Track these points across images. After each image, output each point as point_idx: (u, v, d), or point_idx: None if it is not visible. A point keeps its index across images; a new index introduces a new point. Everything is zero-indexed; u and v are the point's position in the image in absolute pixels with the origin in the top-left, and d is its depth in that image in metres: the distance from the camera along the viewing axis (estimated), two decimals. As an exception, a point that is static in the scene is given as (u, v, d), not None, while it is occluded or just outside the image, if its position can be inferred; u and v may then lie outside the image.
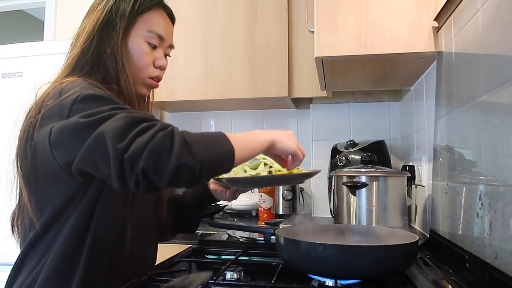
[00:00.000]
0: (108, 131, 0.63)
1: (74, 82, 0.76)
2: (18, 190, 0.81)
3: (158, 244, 0.99)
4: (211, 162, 0.66)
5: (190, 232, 1.11)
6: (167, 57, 0.95)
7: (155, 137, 0.62)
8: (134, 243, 0.82)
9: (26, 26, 3.10)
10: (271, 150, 0.78)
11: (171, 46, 0.94)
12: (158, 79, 0.92)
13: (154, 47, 0.89)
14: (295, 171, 0.89)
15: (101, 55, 0.83)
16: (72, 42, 0.87)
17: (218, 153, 0.67)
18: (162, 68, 0.91)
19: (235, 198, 1.02)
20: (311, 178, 1.89)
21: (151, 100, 0.98)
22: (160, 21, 0.89)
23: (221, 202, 1.54)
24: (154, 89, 0.95)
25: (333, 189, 1.39)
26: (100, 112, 0.67)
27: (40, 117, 0.73)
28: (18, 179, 0.79)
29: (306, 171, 0.91)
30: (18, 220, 0.83)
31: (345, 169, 1.42)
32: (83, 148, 0.65)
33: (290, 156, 0.82)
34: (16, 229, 0.84)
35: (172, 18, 0.94)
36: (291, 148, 0.79)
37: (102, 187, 0.77)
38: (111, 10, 0.84)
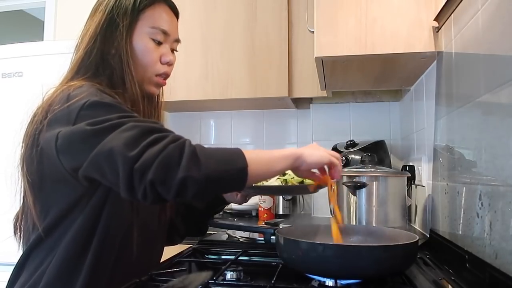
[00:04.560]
0: (118, 140, 0.63)
1: (81, 87, 0.75)
2: (22, 192, 0.81)
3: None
4: (220, 177, 0.65)
5: (200, 235, 1.10)
6: (175, 52, 0.93)
7: (166, 148, 0.62)
8: (139, 246, 0.82)
9: (26, 26, 3.10)
10: (300, 166, 0.75)
11: (177, 40, 0.93)
12: (166, 75, 0.90)
13: (159, 43, 0.87)
14: (307, 181, 0.88)
15: (106, 55, 0.83)
16: (77, 44, 0.86)
17: (228, 169, 0.65)
18: (169, 64, 0.90)
19: (246, 201, 1.00)
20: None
21: (160, 99, 0.97)
22: (163, 15, 0.88)
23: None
24: (163, 88, 0.95)
25: (333, 189, 1.39)
26: (108, 120, 0.66)
27: (46, 122, 0.73)
28: (23, 182, 0.79)
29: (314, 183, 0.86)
30: (21, 222, 0.82)
31: (345, 169, 1.41)
32: (90, 156, 0.65)
33: (326, 167, 0.80)
34: (18, 232, 0.84)
35: (175, 12, 0.92)
36: (324, 158, 0.77)
37: (109, 190, 0.77)
38: (113, 10, 0.83)
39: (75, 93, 0.73)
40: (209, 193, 0.66)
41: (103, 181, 0.68)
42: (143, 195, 0.62)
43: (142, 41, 0.85)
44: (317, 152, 0.76)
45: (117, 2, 0.84)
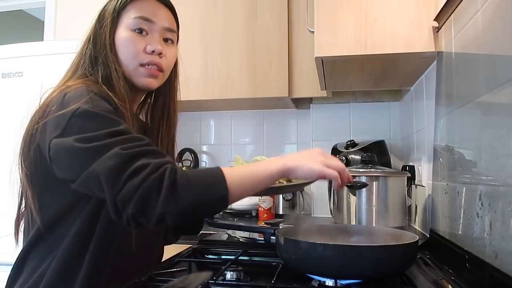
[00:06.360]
0: (103, 170, 0.65)
1: (77, 90, 0.75)
2: (21, 190, 0.81)
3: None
4: (197, 209, 0.66)
5: (194, 234, 1.10)
6: (169, 43, 0.89)
7: (146, 181, 0.64)
8: (138, 246, 0.82)
9: (26, 26, 3.10)
10: (288, 176, 0.74)
11: (170, 30, 0.88)
12: (157, 66, 0.85)
13: (144, 33, 0.85)
14: (294, 180, 0.88)
15: (97, 54, 0.83)
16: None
17: (208, 200, 0.66)
18: (156, 53, 0.84)
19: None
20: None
21: (173, 99, 0.96)
22: (145, 6, 0.85)
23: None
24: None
25: (333, 189, 1.39)
26: (95, 139, 0.67)
27: (42, 123, 0.74)
28: (22, 178, 0.79)
29: (302, 181, 0.84)
30: (22, 220, 0.83)
31: (345, 169, 1.41)
32: (80, 178, 0.67)
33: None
34: (17, 231, 0.84)
35: (164, 3, 0.88)
36: (314, 172, 0.72)
37: None
38: (102, 11, 0.86)
39: (69, 96, 0.73)
40: (189, 220, 0.68)
41: (95, 197, 0.72)
42: (127, 223, 0.66)
43: (123, 34, 0.84)
44: (305, 164, 0.72)
45: (107, 4, 0.87)
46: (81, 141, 0.67)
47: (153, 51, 0.84)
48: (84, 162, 0.66)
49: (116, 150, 0.66)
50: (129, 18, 0.84)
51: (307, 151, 0.79)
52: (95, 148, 0.67)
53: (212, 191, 0.66)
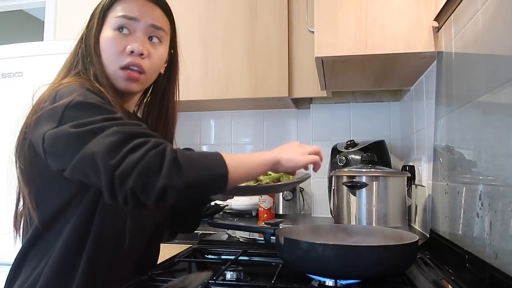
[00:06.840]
0: (100, 146, 0.63)
1: (69, 86, 0.75)
2: (18, 188, 0.81)
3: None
4: (200, 184, 0.66)
5: (190, 232, 1.10)
6: (156, 41, 0.85)
7: (146, 155, 0.62)
8: (135, 244, 0.82)
9: (26, 26, 3.10)
10: (277, 170, 0.78)
11: (155, 27, 0.84)
12: (137, 67, 0.81)
13: (126, 32, 0.82)
14: (284, 178, 0.89)
15: (86, 54, 0.83)
16: None
17: (209, 176, 0.67)
18: (135, 54, 0.80)
19: (226, 199, 1.00)
20: (311, 178, 1.89)
21: (173, 99, 0.95)
22: (131, 4, 0.83)
23: (221, 202, 1.54)
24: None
25: (333, 189, 1.39)
26: (91, 123, 0.66)
27: (34, 119, 0.73)
28: (19, 177, 0.79)
29: (293, 180, 0.88)
30: (21, 219, 0.83)
31: (345, 169, 1.42)
32: (74, 161, 0.65)
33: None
34: (17, 228, 0.84)
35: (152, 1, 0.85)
36: (300, 163, 0.79)
37: None
38: (93, 11, 0.86)
39: (62, 92, 0.73)
40: (189, 198, 0.67)
41: (89, 183, 0.69)
42: (124, 200, 0.63)
43: (106, 34, 0.82)
44: (295, 157, 0.78)
45: (98, 4, 0.86)
46: (77, 127, 0.66)
47: (132, 52, 0.81)
48: (80, 145, 0.64)
49: (114, 128, 0.65)
50: (113, 17, 0.83)
51: (288, 145, 0.82)
52: (92, 130, 0.65)
53: (213, 169, 0.67)
